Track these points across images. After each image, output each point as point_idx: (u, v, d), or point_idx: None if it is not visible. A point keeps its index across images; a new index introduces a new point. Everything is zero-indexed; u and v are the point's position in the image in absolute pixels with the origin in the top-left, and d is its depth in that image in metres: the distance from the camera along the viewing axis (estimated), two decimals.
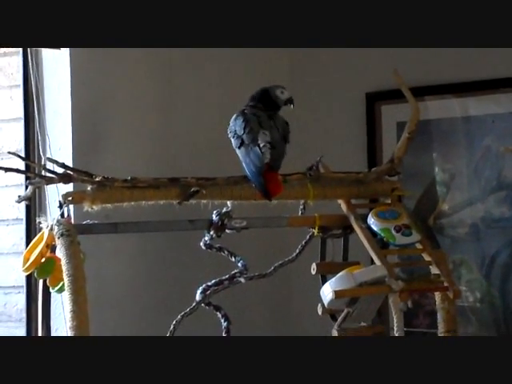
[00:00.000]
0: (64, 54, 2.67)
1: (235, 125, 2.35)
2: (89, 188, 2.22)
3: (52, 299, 2.30)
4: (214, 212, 2.35)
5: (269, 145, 2.29)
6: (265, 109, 2.37)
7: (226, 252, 2.39)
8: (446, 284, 2.35)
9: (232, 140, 2.35)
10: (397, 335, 2.33)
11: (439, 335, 2.44)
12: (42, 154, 2.66)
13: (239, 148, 2.33)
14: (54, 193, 2.54)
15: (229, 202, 2.37)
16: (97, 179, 2.21)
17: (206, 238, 2.36)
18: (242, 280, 2.39)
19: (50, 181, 2.21)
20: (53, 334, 2.35)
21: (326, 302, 2.34)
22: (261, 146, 2.30)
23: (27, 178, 2.24)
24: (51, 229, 2.18)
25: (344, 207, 2.49)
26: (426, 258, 2.41)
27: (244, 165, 2.32)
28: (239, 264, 2.38)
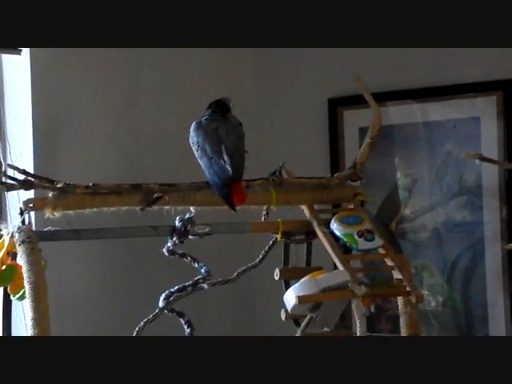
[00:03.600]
0: (24, 59, 2.65)
1: (197, 136, 2.35)
2: (50, 194, 2.20)
3: (13, 307, 2.28)
4: (177, 218, 2.35)
5: (229, 157, 2.29)
6: (221, 115, 2.37)
7: (188, 258, 2.39)
8: (408, 289, 2.36)
9: (195, 150, 2.35)
10: None
11: None
12: (2, 160, 2.63)
13: (201, 159, 2.33)
14: (15, 199, 2.52)
15: (192, 208, 2.37)
16: (58, 186, 2.19)
17: (169, 244, 2.36)
18: (205, 286, 2.39)
19: (10, 187, 2.19)
20: None
21: (289, 308, 2.34)
22: (225, 158, 2.30)
23: None
24: (12, 236, 2.16)
25: (307, 212, 2.50)
26: (389, 262, 2.42)
27: (208, 175, 2.32)
28: (202, 270, 2.38)
